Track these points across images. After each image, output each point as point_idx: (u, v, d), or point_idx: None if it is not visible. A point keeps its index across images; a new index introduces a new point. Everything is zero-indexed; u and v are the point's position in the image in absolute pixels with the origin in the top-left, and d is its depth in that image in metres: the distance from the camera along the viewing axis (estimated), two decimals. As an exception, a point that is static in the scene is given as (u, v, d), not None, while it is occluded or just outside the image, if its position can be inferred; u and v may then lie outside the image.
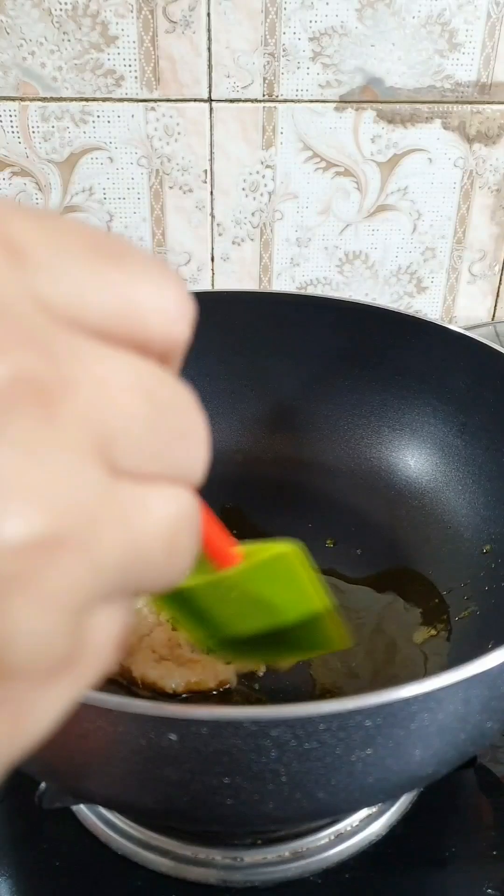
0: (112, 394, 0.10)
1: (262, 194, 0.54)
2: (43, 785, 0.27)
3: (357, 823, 0.30)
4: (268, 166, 0.54)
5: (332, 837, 0.29)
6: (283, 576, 0.23)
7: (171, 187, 0.53)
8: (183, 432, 0.11)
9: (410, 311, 0.41)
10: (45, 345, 0.09)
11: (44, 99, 0.50)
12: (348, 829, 0.30)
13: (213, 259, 0.56)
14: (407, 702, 0.20)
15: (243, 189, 0.54)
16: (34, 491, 0.09)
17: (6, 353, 0.09)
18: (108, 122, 0.51)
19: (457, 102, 0.53)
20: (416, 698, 0.20)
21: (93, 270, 0.10)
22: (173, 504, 0.11)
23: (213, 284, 0.56)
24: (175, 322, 0.11)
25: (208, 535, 0.20)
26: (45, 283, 0.10)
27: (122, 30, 0.48)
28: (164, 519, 0.10)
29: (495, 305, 0.61)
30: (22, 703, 0.09)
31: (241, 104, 0.51)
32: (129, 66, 0.49)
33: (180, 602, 0.23)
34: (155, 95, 0.50)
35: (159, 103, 0.51)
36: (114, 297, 0.10)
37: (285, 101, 0.52)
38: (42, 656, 0.09)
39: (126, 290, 0.10)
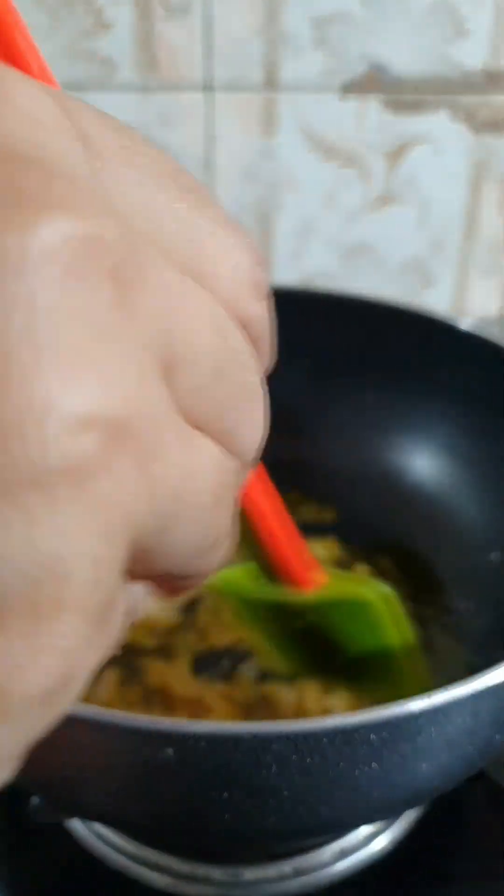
0: (187, 312, 0.09)
1: (262, 184, 0.53)
2: (35, 799, 0.27)
3: (361, 839, 0.29)
4: (268, 156, 0.52)
5: (336, 853, 0.29)
6: (362, 619, 0.22)
7: (169, 179, 0.52)
8: (245, 397, 0.10)
9: (417, 306, 0.40)
10: (122, 222, 0.08)
11: (39, 88, 0.49)
12: (352, 844, 0.29)
13: (213, 252, 0.55)
14: (414, 715, 0.19)
15: (243, 179, 0.53)
16: (102, 372, 0.08)
17: (85, 210, 0.08)
18: (103, 110, 0.50)
19: (464, 91, 0.52)
20: (423, 712, 0.19)
21: (171, 196, 0.10)
22: (224, 463, 0.09)
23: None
24: (248, 291, 0.10)
25: (288, 551, 0.18)
26: (117, 190, 0.09)
27: (117, 16, 0.47)
28: (214, 472, 0.09)
29: None
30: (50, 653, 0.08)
31: (240, 92, 0.50)
32: (125, 53, 0.48)
33: (253, 612, 0.22)
34: (151, 83, 0.49)
35: (155, 92, 0.50)
36: (187, 232, 0.10)
37: (287, 88, 0.51)
38: (89, 588, 0.08)
39: (200, 232, 0.10)
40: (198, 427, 0.09)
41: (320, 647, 0.23)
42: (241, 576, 0.21)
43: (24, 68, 0.12)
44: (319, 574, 0.20)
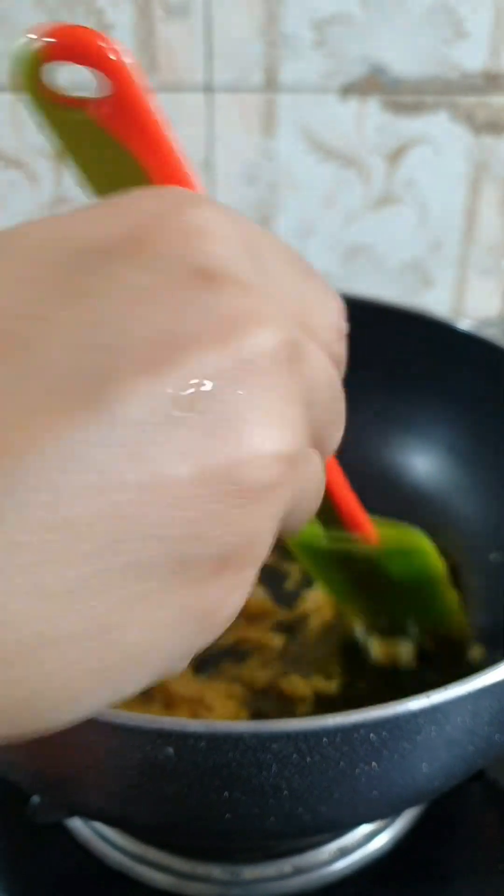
0: (319, 373, 0.13)
1: (262, 185, 0.53)
2: (36, 798, 0.27)
3: (360, 838, 0.29)
4: (269, 157, 0.53)
5: (335, 852, 0.29)
6: (416, 563, 0.27)
7: (169, 180, 0.52)
8: (338, 420, 0.15)
9: (417, 307, 0.40)
10: (295, 320, 0.13)
11: (39, 89, 0.49)
12: (352, 843, 0.29)
13: (213, 253, 0.55)
14: (414, 714, 0.19)
15: (243, 180, 0.53)
16: (285, 423, 0.12)
17: (283, 323, 0.12)
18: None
19: (464, 93, 0.52)
20: (423, 711, 0.19)
21: (297, 278, 0.14)
22: (322, 467, 0.15)
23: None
24: (338, 335, 0.15)
25: (348, 502, 0.23)
26: (273, 284, 0.13)
27: (118, 17, 0.47)
28: (321, 474, 0.14)
29: None
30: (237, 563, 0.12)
31: (240, 93, 0.50)
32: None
33: (320, 559, 0.27)
34: (152, 84, 0.49)
35: (156, 92, 0.50)
36: (306, 300, 0.14)
37: (287, 90, 0.51)
38: (265, 551, 0.12)
39: (311, 297, 0.14)
40: (313, 444, 0.14)
41: (375, 591, 0.28)
42: (313, 531, 0.26)
43: (181, 179, 0.15)
44: (371, 525, 0.25)
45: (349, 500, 0.23)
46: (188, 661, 0.12)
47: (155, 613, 0.11)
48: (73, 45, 0.13)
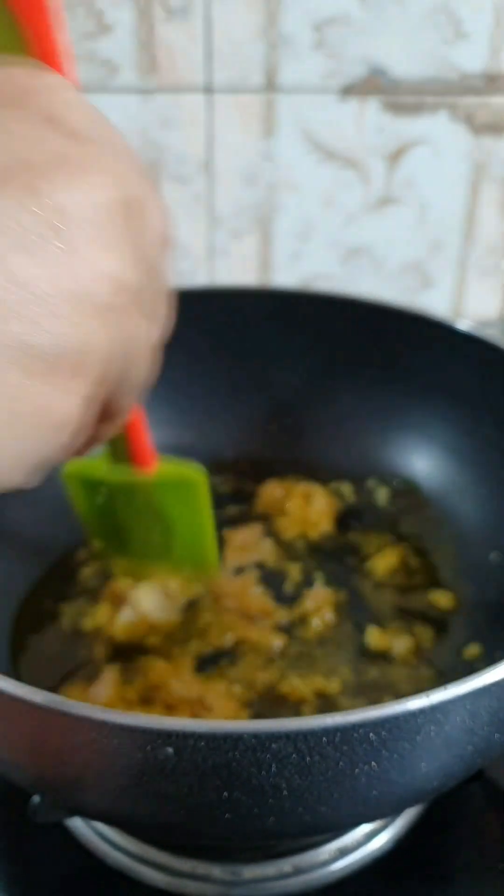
0: (151, 244, 0.16)
1: (262, 186, 0.53)
2: (36, 798, 0.27)
3: (360, 838, 0.29)
4: (268, 158, 0.53)
5: (335, 852, 0.29)
6: (187, 497, 0.29)
7: (168, 179, 0.52)
8: (160, 296, 0.18)
9: (416, 308, 0.40)
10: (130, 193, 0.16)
11: (39, 90, 0.49)
12: (351, 843, 0.29)
13: (211, 253, 0.55)
14: (413, 714, 0.19)
15: (243, 181, 0.53)
16: (121, 262, 0.15)
17: (124, 182, 0.15)
18: (104, 112, 0.50)
19: (463, 93, 0.52)
20: (422, 710, 0.19)
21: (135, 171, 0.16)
22: (155, 335, 0.18)
23: (211, 279, 0.55)
24: (165, 242, 0.18)
25: (138, 434, 0.25)
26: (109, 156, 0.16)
27: (118, 18, 0.47)
28: (147, 341, 0.17)
29: None
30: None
31: (240, 94, 0.50)
32: (125, 55, 0.48)
33: (92, 491, 0.29)
34: (151, 86, 0.49)
35: (156, 94, 0.50)
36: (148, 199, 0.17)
37: (286, 91, 0.51)
38: (99, 371, 0.15)
39: (151, 200, 0.17)
40: (140, 307, 0.16)
41: (144, 529, 0.31)
42: (96, 463, 0.29)
43: (55, 64, 0.17)
44: (156, 460, 0.28)
45: (143, 437, 0.26)
46: (34, 475, 0.15)
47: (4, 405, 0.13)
48: None
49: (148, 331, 0.17)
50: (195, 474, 0.29)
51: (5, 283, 0.13)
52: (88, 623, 0.35)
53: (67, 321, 0.13)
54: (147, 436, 0.27)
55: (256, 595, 0.36)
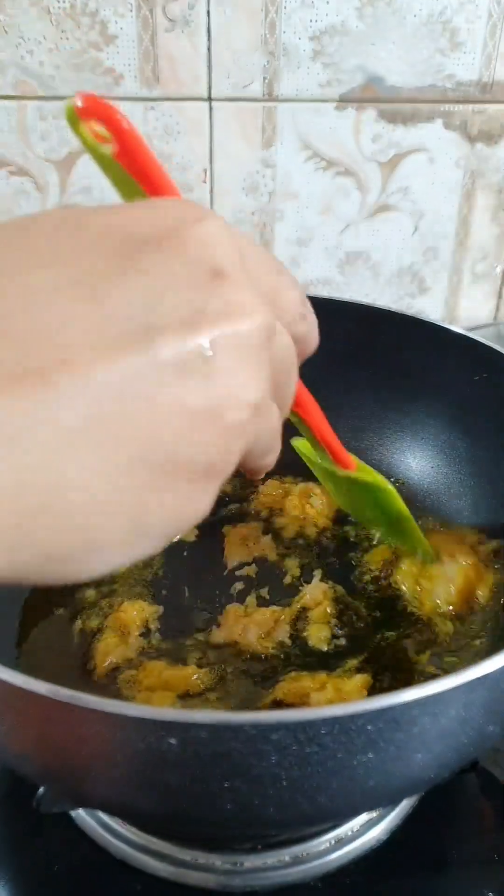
0: (284, 349, 0.19)
1: (262, 194, 0.54)
2: (41, 789, 0.27)
3: (357, 828, 0.30)
4: (268, 166, 0.53)
5: (333, 842, 0.29)
6: (381, 498, 0.33)
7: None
8: (291, 381, 0.20)
9: (412, 312, 0.41)
10: (270, 305, 0.18)
11: (42, 98, 0.49)
12: (349, 833, 0.29)
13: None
14: (408, 706, 0.20)
15: (243, 188, 0.54)
16: (259, 380, 0.17)
17: (265, 310, 0.17)
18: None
19: (458, 102, 0.53)
20: (417, 702, 0.20)
21: (272, 273, 0.19)
22: (279, 422, 0.20)
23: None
24: (303, 317, 0.20)
25: (332, 440, 0.30)
26: (258, 279, 0.18)
27: (122, 28, 0.48)
28: (278, 426, 0.20)
29: (497, 306, 0.61)
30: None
31: (241, 103, 0.51)
32: (129, 64, 0.49)
33: (337, 480, 0.33)
34: (154, 94, 0.50)
35: (159, 102, 0.50)
36: (279, 288, 0.19)
37: (285, 100, 0.51)
38: (226, 470, 0.17)
39: (283, 287, 0.20)
40: (273, 396, 0.18)
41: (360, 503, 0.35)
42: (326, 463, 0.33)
43: (162, 189, 0.20)
44: (351, 459, 0.31)
45: (335, 446, 0.30)
46: (168, 542, 0.17)
47: (159, 498, 0.16)
48: (95, 109, 0.19)
49: (278, 417, 0.19)
50: (384, 482, 0.33)
51: (179, 410, 0.15)
52: (93, 620, 0.35)
53: (212, 441, 0.16)
54: (336, 441, 0.30)
55: (256, 594, 0.37)
